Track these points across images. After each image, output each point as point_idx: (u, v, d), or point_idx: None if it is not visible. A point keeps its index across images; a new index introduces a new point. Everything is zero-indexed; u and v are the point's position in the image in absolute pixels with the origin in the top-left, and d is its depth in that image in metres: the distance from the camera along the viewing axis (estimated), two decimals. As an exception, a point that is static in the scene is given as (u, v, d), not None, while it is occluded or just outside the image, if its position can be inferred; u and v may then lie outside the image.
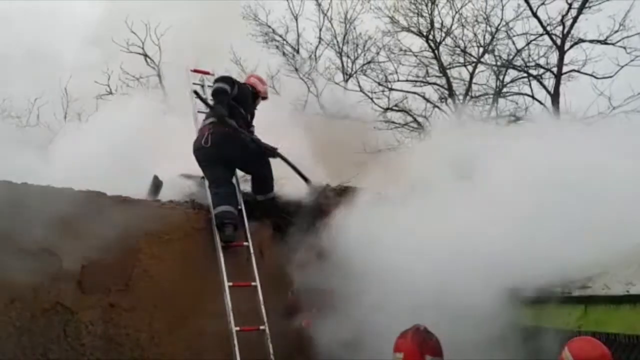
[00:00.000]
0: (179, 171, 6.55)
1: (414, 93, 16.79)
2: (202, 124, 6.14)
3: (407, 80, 16.95)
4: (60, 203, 4.85)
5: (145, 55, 17.54)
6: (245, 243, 5.76)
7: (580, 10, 14.43)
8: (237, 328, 5.17)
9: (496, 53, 16.11)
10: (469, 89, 16.42)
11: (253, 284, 5.53)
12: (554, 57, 14.86)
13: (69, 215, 4.84)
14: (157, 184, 6.21)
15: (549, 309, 4.67)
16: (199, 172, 6.21)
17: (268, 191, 6.16)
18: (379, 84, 17.12)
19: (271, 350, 5.27)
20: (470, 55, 16.48)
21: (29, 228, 4.62)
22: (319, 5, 17.61)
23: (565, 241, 4.70)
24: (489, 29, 16.09)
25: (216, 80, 6.18)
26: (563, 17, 14.62)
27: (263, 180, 6.15)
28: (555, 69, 14.67)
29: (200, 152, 5.93)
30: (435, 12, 16.62)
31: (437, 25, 16.63)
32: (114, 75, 17.01)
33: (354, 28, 17.65)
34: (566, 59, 14.62)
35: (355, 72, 17.49)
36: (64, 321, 4.71)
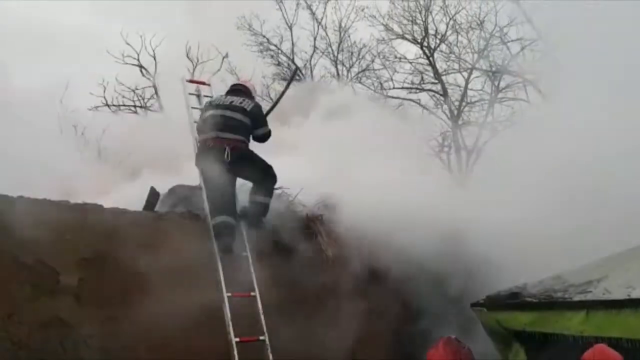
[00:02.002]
0: (176, 182, 6.54)
1: (410, 100, 16.85)
2: (212, 134, 6.04)
3: (402, 87, 17.02)
4: (56, 215, 4.82)
5: (141, 67, 17.56)
6: (244, 253, 5.74)
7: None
8: (237, 339, 5.13)
9: (491, 59, 16.18)
10: (464, 94, 16.48)
11: (252, 293, 5.50)
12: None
13: (66, 227, 4.81)
14: (154, 196, 6.19)
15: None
16: (196, 182, 6.19)
17: (269, 195, 6.13)
18: (375, 91, 17.17)
19: (271, 361, 5.23)
20: (465, 61, 16.55)
21: (26, 241, 4.60)
22: (313, 14, 17.67)
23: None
24: (483, 34, 16.17)
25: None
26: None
27: (265, 183, 6.13)
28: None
29: (219, 165, 5.88)
30: (430, 19, 16.71)
31: (431, 32, 16.72)
32: (110, 86, 17.00)
33: (349, 36, 17.72)
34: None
35: (351, 80, 17.54)
36: (61, 335, 4.66)
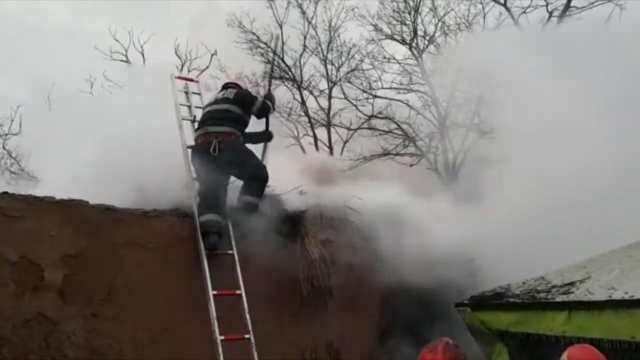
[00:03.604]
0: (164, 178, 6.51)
1: (398, 100, 16.89)
2: (202, 131, 6.10)
3: (391, 88, 17.06)
4: (41, 211, 4.79)
5: (129, 63, 17.46)
6: (230, 251, 5.73)
7: (560, 19, 14.64)
8: (222, 337, 5.13)
9: (478, 61, 16.25)
10: (451, 96, 16.55)
11: (238, 292, 5.50)
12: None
13: (51, 223, 4.78)
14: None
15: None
16: (183, 180, 6.18)
17: (258, 195, 6.12)
18: (364, 91, 17.20)
19: (256, 359, 5.23)
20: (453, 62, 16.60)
21: (10, 237, 4.56)
22: (304, 13, 17.64)
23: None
24: (471, 36, 16.24)
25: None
26: (544, 25, 14.82)
27: (255, 183, 6.12)
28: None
29: (206, 159, 5.92)
30: (419, 20, 16.76)
31: (420, 33, 16.76)
32: (97, 82, 16.90)
33: (338, 36, 17.73)
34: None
35: (340, 79, 17.55)
36: (45, 332, 4.63)
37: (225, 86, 6.69)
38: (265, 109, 6.43)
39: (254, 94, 6.81)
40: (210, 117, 6.19)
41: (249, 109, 6.34)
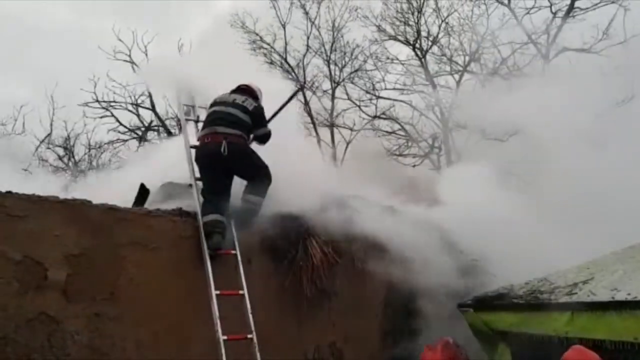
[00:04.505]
0: (166, 178, 6.52)
1: (401, 101, 16.91)
2: (210, 130, 6.06)
3: (394, 89, 17.10)
4: (45, 210, 4.80)
5: (132, 63, 17.53)
6: (233, 251, 5.73)
7: (564, 20, 14.64)
8: (225, 337, 5.13)
9: (482, 61, 16.28)
10: (455, 96, 16.57)
11: (241, 292, 5.50)
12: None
13: (54, 223, 4.79)
14: (143, 192, 6.17)
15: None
16: (186, 180, 6.18)
17: (262, 195, 6.12)
18: (367, 92, 17.24)
19: (259, 359, 5.24)
20: (457, 63, 16.64)
21: (13, 236, 4.57)
22: (307, 13, 17.68)
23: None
24: (475, 37, 16.27)
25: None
26: (548, 26, 14.83)
27: (259, 183, 6.13)
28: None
29: (216, 160, 5.91)
30: (422, 21, 16.78)
31: (423, 33, 16.79)
32: (100, 82, 16.99)
33: (342, 36, 17.78)
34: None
35: (343, 80, 17.58)
36: (48, 331, 4.64)
37: (240, 88, 6.53)
38: (264, 140, 6.40)
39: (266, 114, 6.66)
40: (221, 118, 6.11)
41: (257, 128, 6.31)
